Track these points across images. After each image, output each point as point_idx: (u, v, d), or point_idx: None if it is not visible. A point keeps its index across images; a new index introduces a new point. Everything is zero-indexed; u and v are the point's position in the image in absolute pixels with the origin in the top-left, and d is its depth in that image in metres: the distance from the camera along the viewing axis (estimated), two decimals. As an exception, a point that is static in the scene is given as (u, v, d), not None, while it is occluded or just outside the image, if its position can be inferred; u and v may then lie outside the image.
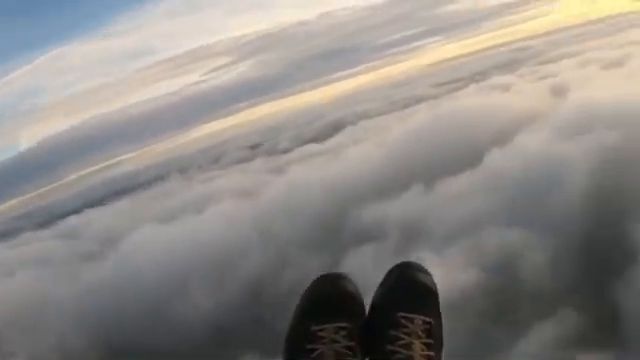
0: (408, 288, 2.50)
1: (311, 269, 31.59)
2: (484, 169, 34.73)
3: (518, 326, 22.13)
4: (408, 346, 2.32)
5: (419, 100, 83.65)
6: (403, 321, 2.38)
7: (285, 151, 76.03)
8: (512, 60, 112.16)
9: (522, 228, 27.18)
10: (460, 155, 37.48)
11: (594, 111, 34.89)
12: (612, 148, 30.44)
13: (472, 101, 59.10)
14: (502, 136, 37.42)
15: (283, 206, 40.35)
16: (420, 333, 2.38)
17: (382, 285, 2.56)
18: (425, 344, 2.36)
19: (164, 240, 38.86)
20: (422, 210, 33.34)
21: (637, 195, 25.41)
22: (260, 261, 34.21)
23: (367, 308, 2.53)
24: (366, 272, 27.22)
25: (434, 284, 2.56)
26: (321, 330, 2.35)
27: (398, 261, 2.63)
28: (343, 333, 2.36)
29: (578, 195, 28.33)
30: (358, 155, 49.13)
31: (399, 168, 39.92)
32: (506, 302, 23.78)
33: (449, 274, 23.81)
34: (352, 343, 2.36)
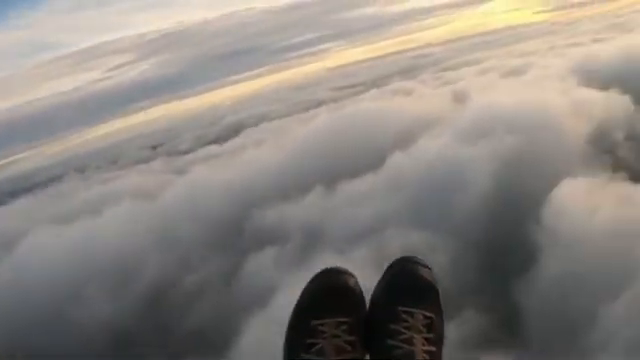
0: (409, 282, 2.48)
1: (213, 272, 31.12)
2: (386, 171, 34.89)
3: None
4: (409, 341, 2.30)
5: (320, 103, 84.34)
6: (404, 315, 2.37)
7: (186, 152, 75.14)
8: (414, 66, 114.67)
9: (425, 230, 27.34)
10: (362, 158, 37.67)
11: (494, 116, 35.60)
12: (512, 152, 31.09)
13: (374, 105, 59.64)
14: (404, 139, 37.74)
15: (184, 208, 39.57)
16: (421, 328, 2.36)
17: (382, 279, 2.53)
18: (426, 339, 2.34)
19: (62, 242, 37.42)
20: (324, 212, 33.20)
21: (536, 197, 25.86)
22: (161, 263, 33.37)
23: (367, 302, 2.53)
24: (268, 275, 26.95)
25: (435, 279, 2.54)
26: (322, 325, 2.35)
27: (397, 257, 2.57)
28: (344, 328, 2.35)
29: (480, 197, 28.79)
30: (259, 157, 48.81)
31: (300, 170, 39.81)
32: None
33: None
34: (353, 338, 2.34)
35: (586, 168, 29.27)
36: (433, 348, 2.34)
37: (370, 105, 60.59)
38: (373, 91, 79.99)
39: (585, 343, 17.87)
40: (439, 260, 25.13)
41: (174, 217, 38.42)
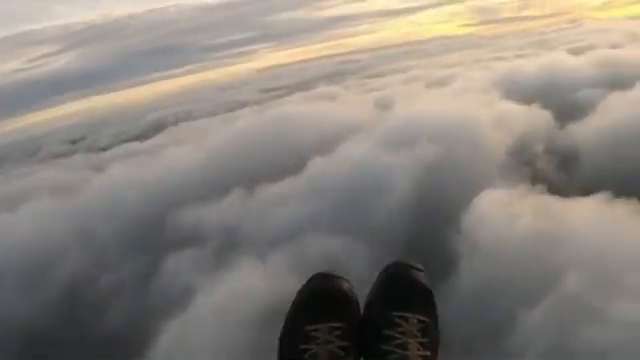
0: (402, 287, 2.44)
1: (131, 271, 30.43)
2: (307, 175, 34.55)
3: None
4: (404, 346, 2.25)
5: (245, 104, 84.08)
6: (398, 320, 2.32)
7: (106, 148, 73.74)
8: (341, 71, 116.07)
9: (345, 235, 27.15)
10: (283, 161, 37.33)
11: (418, 125, 35.81)
12: (434, 161, 31.31)
13: (297, 108, 59.33)
14: (326, 144, 37.52)
15: (102, 205, 38.54)
16: (416, 332, 2.32)
17: (376, 283, 2.49)
18: (421, 343, 2.30)
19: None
20: (243, 215, 32.75)
21: (457, 205, 26.05)
22: (78, 262, 32.35)
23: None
24: (186, 276, 26.46)
25: (429, 282, 2.50)
26: (315, 330, 2.31)
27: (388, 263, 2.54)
28: (337, 333, 2.31)
29: (401, 205, 28.88)
30: (180, 157, 47.92)
31: (221, 171, 39.28)
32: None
33: (272, 280, 23.36)
34: (346, 343, 2.31)
35: (506, 179, 29.82)
36: (428, 352, 2.29)
37: (294, 108, 60.17)
38: (298, 94, 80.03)
39: (504, 348, 18.07)
40: (359, 266, 25.03)
41: (92, 215, 37.34)
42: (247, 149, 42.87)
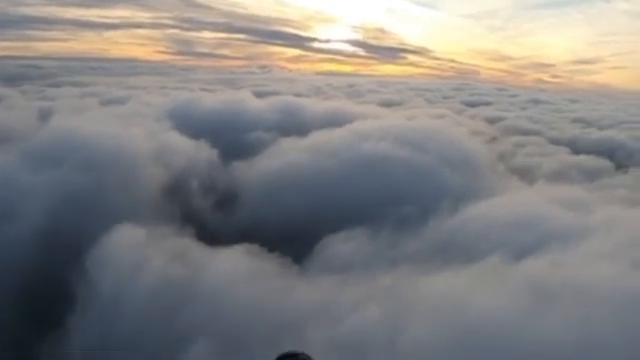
0: None
1: None
2: None
3: None
4: None
5: None
6: None
7: None
8: (21, 75, 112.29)
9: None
10: None
11: (70, 145, 32.74)
12: (77, 186, 28.70)
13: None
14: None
15: None
16: None
17: None
18: None
19: None
20: None
21: (89, 241, 23.31)
22: None
23: None
24: None
25: None
26: None
27: None
28: None
29: (31, 234, 25.61)
30: None
31: None
32: None
33: None
34: None
35: (153, 217, 27.65)
36: None
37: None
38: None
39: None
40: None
41: None
42: None
